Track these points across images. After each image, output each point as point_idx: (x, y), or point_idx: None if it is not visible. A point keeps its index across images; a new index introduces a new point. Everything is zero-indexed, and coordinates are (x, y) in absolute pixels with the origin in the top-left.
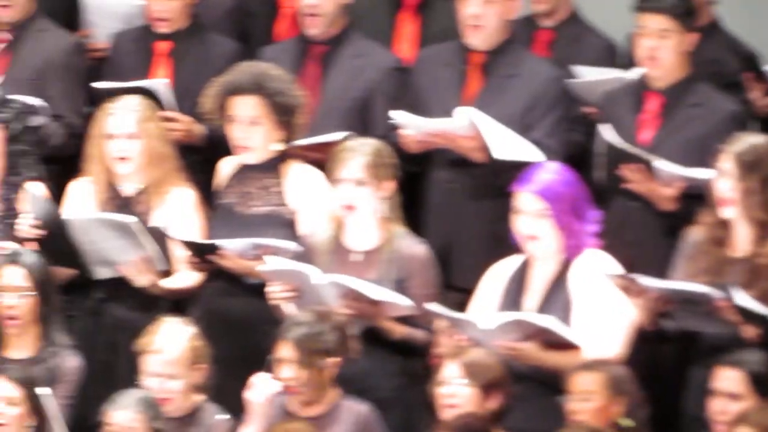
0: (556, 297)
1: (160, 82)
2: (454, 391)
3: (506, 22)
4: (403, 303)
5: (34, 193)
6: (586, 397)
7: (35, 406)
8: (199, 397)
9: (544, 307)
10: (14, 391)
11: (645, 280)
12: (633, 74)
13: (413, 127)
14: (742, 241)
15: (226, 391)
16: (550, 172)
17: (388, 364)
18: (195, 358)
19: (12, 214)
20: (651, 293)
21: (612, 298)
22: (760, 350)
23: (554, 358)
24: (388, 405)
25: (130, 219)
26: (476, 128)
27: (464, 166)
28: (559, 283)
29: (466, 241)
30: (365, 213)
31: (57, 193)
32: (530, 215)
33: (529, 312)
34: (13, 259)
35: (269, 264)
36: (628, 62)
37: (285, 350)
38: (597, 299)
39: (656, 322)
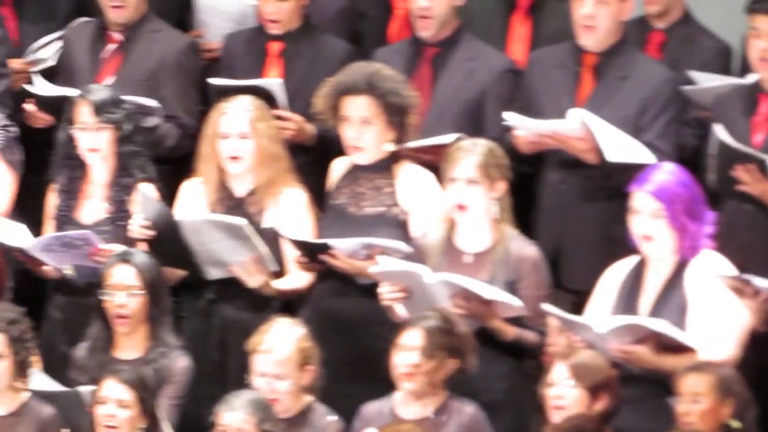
0: (671, 298)
1: (275, 82)
2: (562, 393)
3: (619, 23)
4: (514, 303)
5: (145, 193)
6: (695, 399)
7: (146, 408)
8: (309, 398)
9: (659, 309)
10: (125, 393)
11: (758, 282)
12: (748, 80)
13: (526, 128)
14: None
15: (336, 392)
16: (666, 172)
17: (500, 366)
18: (304, 359)
19: (123, 215)
20: (764, 295)
21: (726, 300)
22: None
23: (668, 361)
24: (499, 407)
25: (241, 221)
26: (588, 130)
27: (576, 167)
28: (674, 284)
29: (577, 242)
30: (477, 213)
31: (168, 194)
32: (646, 215)
33: (644, 314)
34: (124, 258)
35: (381, 264)
36: (743, 65)
37: (413, 337)
38: (712, 301)
39: None
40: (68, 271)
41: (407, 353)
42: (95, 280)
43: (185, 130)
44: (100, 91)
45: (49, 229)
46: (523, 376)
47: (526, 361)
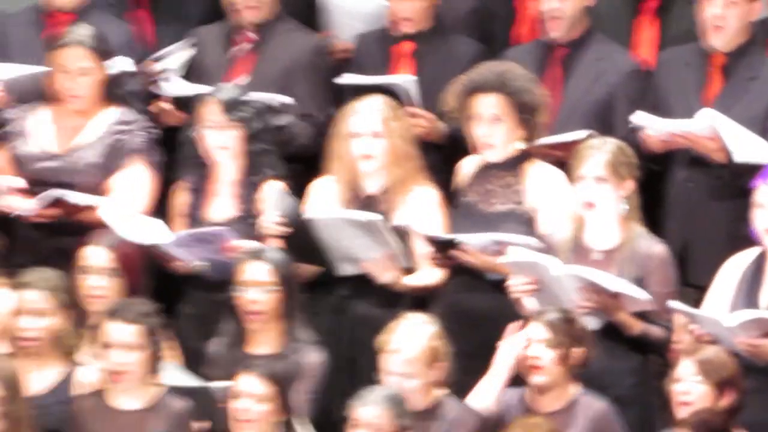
0: None
1: (409, 79)
2: (689, 389)
3: (748, 24)
4: (641, 297)
5: (279, 190)
6: None
7: (282, 403)
8: (441, 392)
9: None
10: (262, 387)
11: None
12: None
13: (655, 128)
14: None
15: (469, 385)
16: None
17: (627, 362)
18: (434, 356)
19: (252, 213)
20: None
21: None
22: None
23: None
24: (625, 402)
25: (376, 217)
26: (717, 130)
27: (704, 165)
28: None
29: (703, 239)
30: (605, 211)
31: (298, 192)
32: None
33: (765, 307)
34: (257, 255)
35: (511, 255)
36: None
37: (537, 330)
38: None
39: None
40: (200, 266)
41: (533, 346)
42: (228, 277)
43: (319, 128)
44: (229, 89)
45: (179, 227)
46: (649, 373)
47: (651, 357)
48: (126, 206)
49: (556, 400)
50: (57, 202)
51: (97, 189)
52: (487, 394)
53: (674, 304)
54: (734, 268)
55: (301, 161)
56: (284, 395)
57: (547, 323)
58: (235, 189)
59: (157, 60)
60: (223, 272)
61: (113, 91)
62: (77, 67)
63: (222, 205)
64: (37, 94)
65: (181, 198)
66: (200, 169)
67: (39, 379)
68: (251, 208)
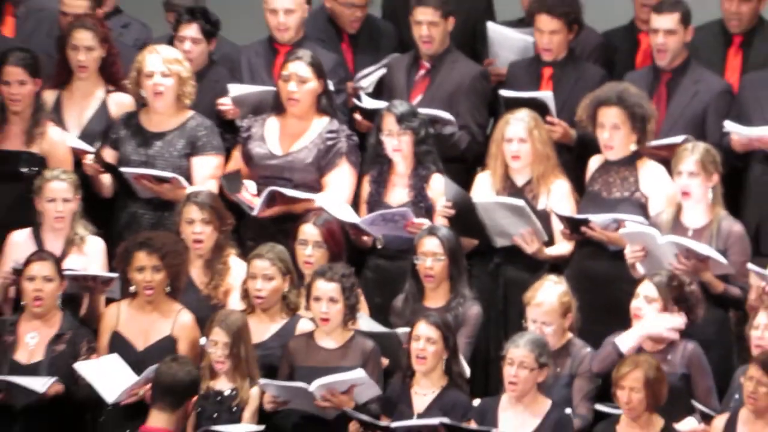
0: None
1: (547, 94)
2: (764, 335)
3: None
4: (724, 262)
5: (448, 181)
6: None
7: (448, 344)
8: (570, 335)
9: None
10: (433, 332)
11: None
12: None
13: (739, 134)
14: None
15: (591, 332)
16: None
17: (712, 313)
18: (565, 309)
19: (420, 198)
20: None
21: None
22: None
23: None
24: (710, 345)
25: (521, 202)
26: None
27: None
28: None
29: None
30: (697, 198)
31: (460, 184)
32: None
33: None
34: (431, 231)
35: (627, 227)
36: None
37: (647, 288)
38: None
39: None
40: (379, 241)
41: (639, 301)
42: (404, 248)
43: (474, 137)
44: (402, 105)
45: (363, 210)
46: (729, 322)
47: (731, 311)
48: (336, 196)
49: (660, 342)
50: (275, 198)
51: (310, 183)
52: (630, 339)
53: (750, 266)
54: None
55: (459, 161)
56: (450, 338)
57: (658, 284)
58: (407, 180)
59: (356, 80)
60: (400, 244)
61: (323, 104)
62: (300, 75)
63: (397, 193)
64: (263, 107)
65: (366, 187)
66: (382, 166)
67: (267, 328)
68: (420, 194)
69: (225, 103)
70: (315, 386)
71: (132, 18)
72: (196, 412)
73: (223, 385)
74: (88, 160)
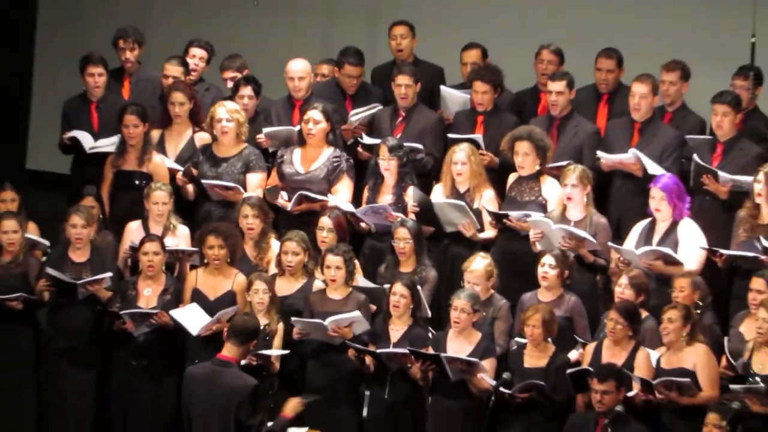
0: (670, 238)
1: (479, 136)
2: (624, 292)
3: (652, 106)
4: (594, 242)
5: (415, 190)
6: (682, 289)
7: (415, 299)
8: (492, 292)
9: (663, 243)
10: (405, 291)
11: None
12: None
13: (606, 159)
14: (765, 214)
15: (507, 290)
16: (668, 178)
17: (586, 275)
18: (489, 274)
19: (400, 201)
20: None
21: (696, 240)
22: None
23: (669, 269)
24: (585, 297)
25: (462, 203)
26: (638, 158)
27: (630, 177)
28: (671, 231)
29: (626, 217)
30: (577, 201)
31: (424, 190)
32: (657, 199)
33: (655, 246)
34: (402, 223)
35: (532, 219)
36: None
37: (548, 259)
38: (688, 240)
39: (725, 263)
40: (371, 228)
41: (544, 268)
42: (387, 231)
43: (436, 160)
44: (392, 140)
45: (364, 206)
46: (597, 282)
47: (600, 275)
48: (342, 198)
49: (553, 295)
50: (303, 200)
51: (323, 191)
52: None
53: (611, 245)
54: (638, 228)
55: (425, 176)
56: (417, 295)
57: (553, 256)
58: (392, 189)
59: (351, 116)
60: (383, 230)
61: (330, 139)
62: (315, 119)
63: (385, 197)
64: (290, 141)
65: (365, 193)
66: (377, 179)
67: (293, 286)
68: (400, 199)
69: (260, 138)
70: (327, 322)
71: (210, 83)
72: None
73: (261, 322)
74: (179, 175)
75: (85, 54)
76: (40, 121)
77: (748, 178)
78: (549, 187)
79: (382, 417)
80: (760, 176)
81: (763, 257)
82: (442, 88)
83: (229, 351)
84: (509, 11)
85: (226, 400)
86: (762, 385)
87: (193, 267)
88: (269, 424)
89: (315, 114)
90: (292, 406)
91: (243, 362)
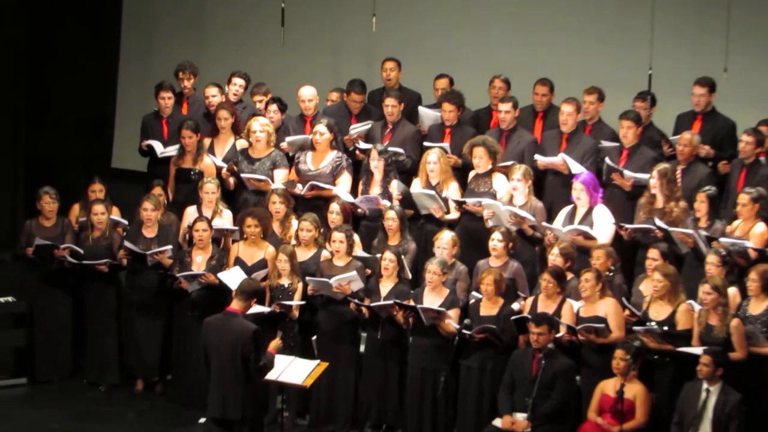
0: (587, 219)
1: (447, 144)
2: (556, 260)
3: (574, 122)
4: (533, 220)
5: (399, 183)
6: (599, 257)
7: (399, 262)
8: (455, 259)
9: (582, 223)
10: (392, 256)
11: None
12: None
13: (542, 161)
14: (659, 201)
15: (466, 256)
16: (587, 175)
17: (527, 246)
18: (453, 244)
19: (386, 191)
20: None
21: (607, 221)
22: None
23: (587, 243)
24: (526, 263)
25: (433, 192)
26: (565, 160)
27: (559, 174)
28: (589, 213)
29: (557, 201)
30: (520, 191)
31: (405, 183)
32: (578, 191)
33: (576, 224)
34: (390, 207)
35: (486, 204)
36: None
37: (497, 234)
38: (601, 221)
39: (629, 235)
40: (366, 212)
41: (494, 241)
42: (378, 215)
43: (413, 161)
44: (381, 146)
45: (360, 197)
46: (536, 252)
47: (539, 246)
48: (343, 189)
49: (501, 261)
50: (313, 188)
51: (329, 183)
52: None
53: (545, 224)
54: (564, 211)
55: (406, 173)
56: (400, 260)
57: (501, 232)
58: (380, 183)
59: (351, 130)
60: (374, 213)
61: (333, 145)
62: (321, 132)
63: (375, 189)
64: (305, 147)
65: (360, 187)
66: (368, 175)
67: (307, 254)
68: (386, 190)
69: (283, 144)
70: (332, 281)
71: (246, 104)
72: (270, 296)
73: (284, 281)
74: (224, 171)
75: (159, 82)
76: (122, 131)
77: (646, 175)
78: (498, 181)
79: (375, 352)
80: (654, 173)
81: (657, 232)
82: (420, 108)
83: (236, 305)
84: (470, 49)
85: (233, 342)
86: (656, 327)
87: (234, 241)
88: (262, 358)
89: (321, 127)
90: (275, 344)
91: (268, 310)
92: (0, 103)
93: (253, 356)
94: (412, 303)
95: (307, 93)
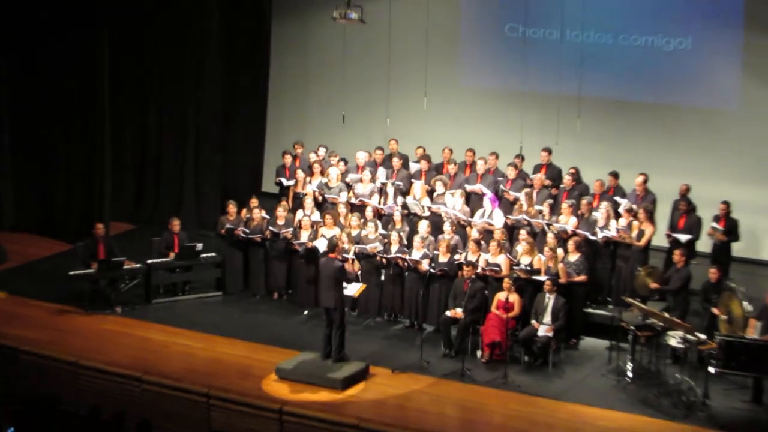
0: (491, 216)
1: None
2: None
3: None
4: (461, 216)
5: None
6: (497, 234)
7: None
8: (428, 235)
9: (489, 218)
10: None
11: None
12: None
13: (470, 188)
14: (527, 206)
15: (434, 234)
16: (491, 195)
17: (461, 228)
18: (427, 229)
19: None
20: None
21: (499, 216)
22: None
23: (491, 227)
24: (463, 237)
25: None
26: (481, 187)
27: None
28: (491, 213)
29: (478, 206)
30: (460, 203)
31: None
32: (487, 202)
33: (486, 218)
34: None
35: (442, 209)
36: None
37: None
38: (497, 216)
39: (512, 223)
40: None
41: (445, 226)
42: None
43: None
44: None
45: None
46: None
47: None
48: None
49: (449, 236)
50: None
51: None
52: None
53: (470, 218)
54: (479, 212)
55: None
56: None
57: (450, 222)
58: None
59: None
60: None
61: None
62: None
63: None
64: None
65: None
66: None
67: (354, 232)
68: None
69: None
70: (369, 246)
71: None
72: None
73: (346, 245)
74: (317, 192)
75: (284, 150)
76: (268, 169)
77: (520, 194)
78: (448, 198)
79: (389, 279)
80: (523, 193)
81: (524, 221)
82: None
83: (330, 253)
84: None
85: (331, 270)
86: (524, 267)
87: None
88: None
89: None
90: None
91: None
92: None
93: (341, 277)
94: (408, 257)
95: (361, 155)
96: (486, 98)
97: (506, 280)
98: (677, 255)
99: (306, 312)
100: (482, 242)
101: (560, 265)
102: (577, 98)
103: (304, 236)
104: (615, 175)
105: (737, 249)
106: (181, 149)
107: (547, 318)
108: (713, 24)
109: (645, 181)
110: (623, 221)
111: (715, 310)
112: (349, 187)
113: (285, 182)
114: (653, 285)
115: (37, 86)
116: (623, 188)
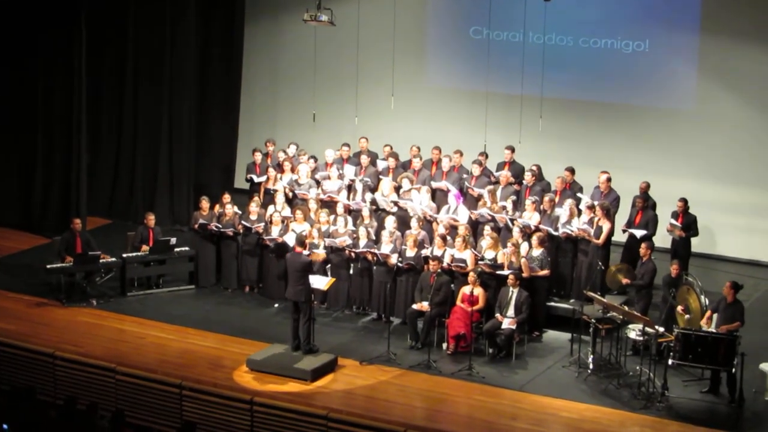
0: (455, 212)
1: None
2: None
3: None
4: (429, 212)
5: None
6: (461, 229)
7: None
8: (395, 230)
9: (453, 213)
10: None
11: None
12: None
13: (437, 185)
14: (491, 203)
15: (400, 229)
16: (456, 192)
17: (427, 224)
18: (394, 224)
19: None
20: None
21: (464, 212)
22: None
23: (456, 223)
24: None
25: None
26: (447, 184)
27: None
28: (456, 209)
29: (444, 203)
30: (427, 198)
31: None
32: (451, 196)
33: (451, 214)
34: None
35: (410, 204)
36: None
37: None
38: (461, 212)
39: (476, 218)
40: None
41: (413, 221)
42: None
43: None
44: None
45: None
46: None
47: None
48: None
49: (416, 231)
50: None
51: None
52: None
53: (436, 214)
54: (444, 207)
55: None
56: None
57: (417, 218)
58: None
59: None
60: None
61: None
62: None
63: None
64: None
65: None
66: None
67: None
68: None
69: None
70: (338, 240)
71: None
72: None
73: (316, 240)
74: (286, 189)
75: (255, 147)
76: (240, 167)
77: (483, 190)
78: (415, 194)
79: (358, 273)
80: (486, 190)
81: (488, 216)
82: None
83: (298, 248)
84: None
85: (298, 265)
86: (488, 261)
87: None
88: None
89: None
90: (317, 257)
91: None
92: (178, 143)
93: (307, 269)
94: (377, 251)
95: (329, 153)
96: (451, 98)
97: (471, 274)
98: (643, 248)
99: (276, 305)
100: (448, 237)
101: (522, 260)
102: (539, 98)
103: (275, 231)
104: (571, 170)
105: (694, 244)
106: (156, 146)
107: (511, 311)
108: (670, 27)
109: (609, 180)
110: (585, 217)
111: (679, 308)
112: (318, 183)
113: (256, 179)
114: (625, 280)
115: (14, 82)
116: (579, 183)
